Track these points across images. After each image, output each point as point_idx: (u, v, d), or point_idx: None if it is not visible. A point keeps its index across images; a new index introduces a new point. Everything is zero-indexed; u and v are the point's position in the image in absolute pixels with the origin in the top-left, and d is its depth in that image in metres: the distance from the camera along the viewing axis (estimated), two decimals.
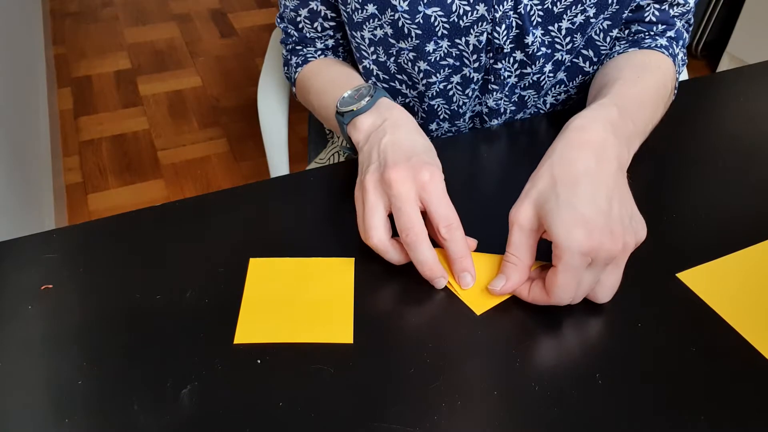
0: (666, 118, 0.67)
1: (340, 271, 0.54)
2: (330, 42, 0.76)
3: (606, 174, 0.49)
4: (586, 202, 0.47)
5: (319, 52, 0.76)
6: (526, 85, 0.73)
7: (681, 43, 0.71)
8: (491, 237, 0.57)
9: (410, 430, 0.43)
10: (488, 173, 0.66)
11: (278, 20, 0.77)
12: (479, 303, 0.51)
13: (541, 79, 0.72)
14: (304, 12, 0.73)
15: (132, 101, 2.11)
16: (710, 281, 0.53)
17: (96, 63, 2.30)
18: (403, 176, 0.51)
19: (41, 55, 2.16)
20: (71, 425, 0.43)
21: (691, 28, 0.72)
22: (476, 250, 0.55)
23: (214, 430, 0.43)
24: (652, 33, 0.71)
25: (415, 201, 0.51)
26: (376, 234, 0.52)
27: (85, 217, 1.69)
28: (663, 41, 0.70)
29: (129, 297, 0.52)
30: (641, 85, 0.62)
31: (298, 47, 0.77)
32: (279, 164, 0.97)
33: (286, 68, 0.79)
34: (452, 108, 0.74)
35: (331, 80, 0.71)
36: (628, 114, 0.56)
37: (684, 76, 0.93)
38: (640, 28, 0.71)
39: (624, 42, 0.72)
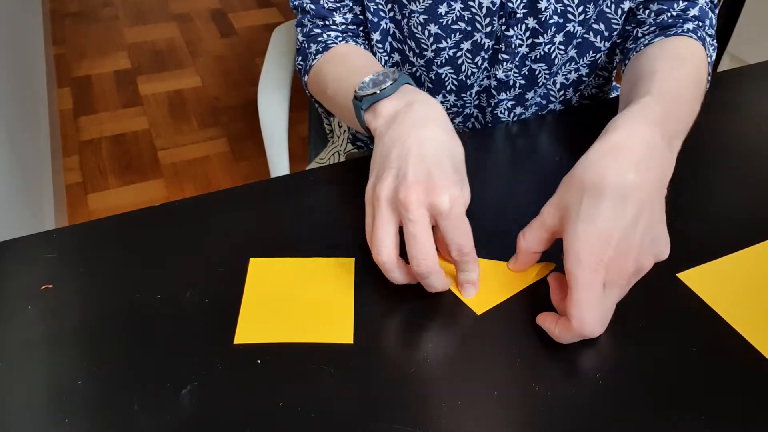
0: None
1: (340, 271, 0.54)
2: (349, 16, 0.72)
3: (643, 190, 0.46)
4: (607, 217, 0.45)
5: (340, 39, 0.71)
6: (537, 57, 0.71)
7: (708, 23, 0.67)
8: (493, 240, 0.57)
9: (410, 430, 0.43)
10: (492, 175, 0.66)
11: (292, 2, 0.73)
12: (480, 303, 0.51)
13: (552, 50, 0.71)
14: None
15: (132, 101, 2.11)
16: (710, 281, 0.53)
17: (96, 63, 2.30)
18: (420, 198, 0.47)
19: (41, 55, 2.16)
20: (71, 425, 0.43)
21: (716, 10, 0.69)
22: (480, 256, 0.55)
23: (214, 430, 0.43)
24: (674, 14, 0.67)
25: (429, 226, 0.48)
26: (385, 252, 0.48)
27: (85, 217, 1.69)
28: (689, 24, 0.66)
29: (129, 297, 0.52)
30: (679, 79, 0.58)
31: (316, 30, 0.72)
32: (279, 164, 0.97)
33: (299, 58, 0.73)
34: (460, 78, 0.73)
35: (354, 67, 0.65)
36: (671, 113, 0.52)
37: None
38: (662, 6, 0.68)
39: (647, 27, 0.69)
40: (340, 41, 0.71)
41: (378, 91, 0.53)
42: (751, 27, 2.02)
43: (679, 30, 0.66)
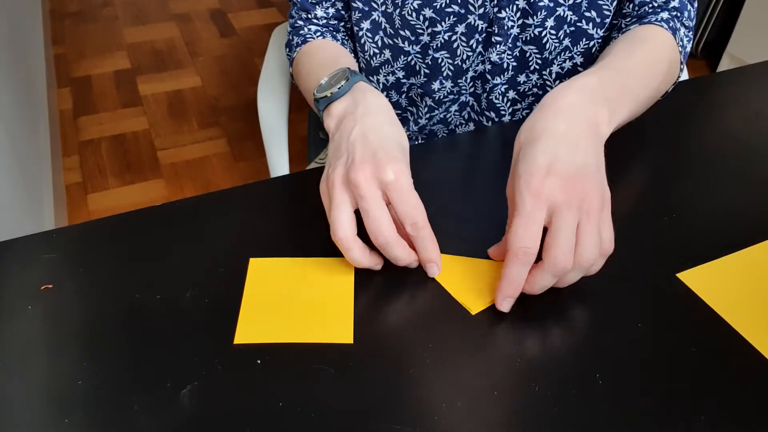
0: (666, 118, 0.67)
1: (340, 271, 0.54)
2: (331, 11, 0.77)
3: (572, 132, 0.49)
4: (543, 153, 0.48)
5: (319, 33, 0.76)
6: (528, 38, 0.73)
7: (686, 14, 0.71)
8: (486, 240, 0.57)
9: (410, 430, 0.43)
10: (484, 175, 0.66)
11: None
12: (474, 302, 0.51)
13: (543, 34, 0.72)
14: None
15: (132, 101, 2.11)
16: (710, 281, 0.53)
17: (96, 63, 2.30)
18: (368, 176, 0.50)
19: (41, 55, 2.16)
20: (71, 425, 0.43)
21: (695, 3, 0.73)
22: (471, 255, 0.55)
23: (214, 430, 0.43)
24: (654, 5, 0.71)
25: (381, 200, 0.51)
26: (341, 229, 0.51)
27: (85, 217, 1.69)
28: (664, 14, 0.69)
29: (129, 297, 0.52)
30: (631, 59, 0.62)
31: (300, 22, 0.77)
32: (279, 164, 0.97)
33: (287, 50, 0.79)
34: (456, 62, 0.75)
35: (318, 63, 0.70)
36: (611, 81, 0.56)
37: (684, 75, 0.93)
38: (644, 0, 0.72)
39: (629, 18, 0.73)
40: (318, 36, 0.75)
41: (330, 94, 0.58)
42: (751, 27, 2.02)
43: (653, 19, 0.69)
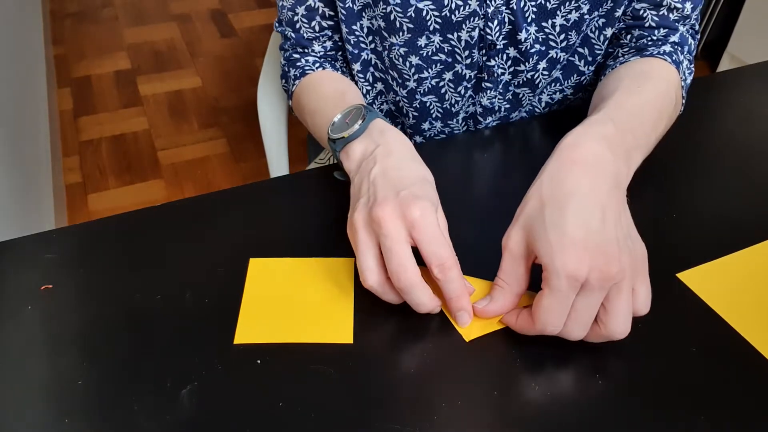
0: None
1: (340, 271, 0.54)
2: (328, 44, 0.74)
3: (599, 192, 0.46)
4: (574, 223, 0.44)
5: (317, 64, 0.73)
6: (521, 82, 0.72)
7: (686, 49, 0.68)
8: (486, 250, 0.57)
9: (410, 430, 0.43)
10: (483, 178, 0.66)
11: (276, 24, 0.75)
12: (469, 330, 0.50)
13: (536, 76, 0.71)
14: (301, 10, 0.71)
15: (132, 101, 2.11)
16: (710, 281, 0.53)
17: (96, 63, 2.30)
18: (391, 213, 0.47)
19: (41, 55, 2.16)
20: (71, 425, 0.43)
21: (697, 36, 0.70)
22: (473, 275, 0.53)
23: (214, 430, 0.43)
24: (654, 38, 0.68)
25: (405, 240, 0.47)
26: (371, 276, 0.48)
27: (85, 217, 1.69)
28: (667, 47, 0.66)
29: (129, 297, 0.52)
30: (642, 96, 0.59)
31: (295, 55, 0.74)
32: (279, 164, 0.97)
33: (284, 81, 0.77)
34: (444, 106, 0.74)
35: (324, 98, 0.68)
36: (626, 127, 0.53)
37: None
38: (642, 32, 0.69)
39: (627, 48, 0.70)
40: (317, 67, 0.73)
41: (347, 135, 0.56)
42: (751, 27, 2.02)
43: (655, 52, 0.66)
